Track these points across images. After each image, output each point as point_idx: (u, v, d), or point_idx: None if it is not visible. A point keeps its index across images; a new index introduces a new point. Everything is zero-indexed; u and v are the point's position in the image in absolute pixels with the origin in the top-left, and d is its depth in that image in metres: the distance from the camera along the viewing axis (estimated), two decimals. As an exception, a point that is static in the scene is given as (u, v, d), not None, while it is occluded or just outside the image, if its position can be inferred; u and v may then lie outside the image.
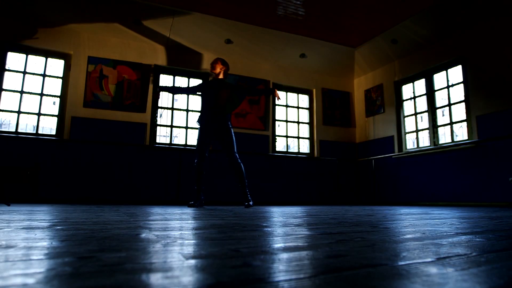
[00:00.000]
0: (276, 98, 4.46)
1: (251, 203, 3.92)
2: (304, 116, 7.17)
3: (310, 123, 7.08)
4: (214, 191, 5.83)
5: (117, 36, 5.69)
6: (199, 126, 4.18)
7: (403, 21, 5.61)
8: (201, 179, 4.04)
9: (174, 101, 6.24)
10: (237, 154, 4.09)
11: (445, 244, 0.94)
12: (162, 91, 4.31)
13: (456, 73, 5.68)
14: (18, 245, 0.84)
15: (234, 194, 5.98)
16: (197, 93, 4.52)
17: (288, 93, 7.01)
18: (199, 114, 4.35)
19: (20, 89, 5.23)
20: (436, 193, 5.58)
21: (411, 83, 6.40)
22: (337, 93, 7.33)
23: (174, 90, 4.37)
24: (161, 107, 6.19)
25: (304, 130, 7.14)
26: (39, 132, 5.32)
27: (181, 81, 6.41)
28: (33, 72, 5.39)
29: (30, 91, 5.34)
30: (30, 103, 5.64)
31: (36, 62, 5.57)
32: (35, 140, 5.02)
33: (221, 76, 4.34)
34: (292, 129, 7.11)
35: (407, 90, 6.57)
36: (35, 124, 5.33)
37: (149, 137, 5.74)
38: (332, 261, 0.69)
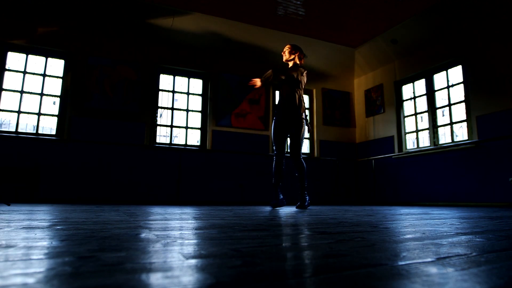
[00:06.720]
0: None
1: (306, 203, 3.62)
2: (304, 116, 7.17)
3: (310, 123, 7.08)
4: (214, 191, 5.83)
5: (117, 36, 5.69)
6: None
7: (403, 21, 5.61)
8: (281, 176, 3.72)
9: (174, 101, 6.25)
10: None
11: (445, 244, 0.94)
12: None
13: (456, 73, 5.68)
14: (18, 245, 0.84)
15: (233, 194, 5.99)
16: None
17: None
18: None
19: (20, 89, 5.23)
20: (436, 193, 5.58)
21: (411, 83, 6.40)
22: (337, 93, 7.33)
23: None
24: (161, 107, 6.19)
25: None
26: (39, 132, 5.32)
27: (181, 81, 6.42)
28: (33, 72, 5.39)
29: (30, 91, 5.34)
30: (30, 103, 5.65)
31: (36, 62, 5.57)
32: (35, 140, 5.01)
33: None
34: (292, 129, 7.10)
35: (407, 90, 6.57)
36: (35, 124, 5.33)
37: (149, 137, 5.74)
38: (332, 261, 0.69)
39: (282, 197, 3.75)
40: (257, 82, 3.65)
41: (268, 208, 3.63)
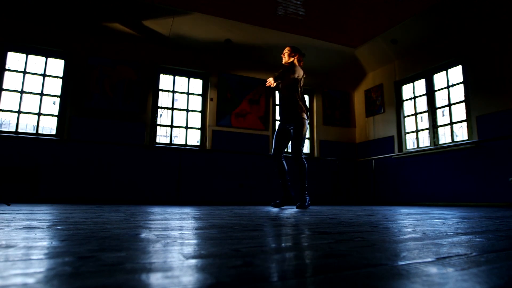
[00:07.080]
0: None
1: (306, 203, 3.62)
2: (304, 116, 7.16)
3: (310, 123, 7.08)
4: (214, 191, 5.83)
5: (117, 36, 5.69)
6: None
7: (403, 21, 5.60)
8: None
9: (174, 101, 6.25)
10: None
11: (445, 244, 0.94)
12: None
13: (456, 73, 5.68)
14: (18, 245, 0.84)
15: (233, 194, 5.99)
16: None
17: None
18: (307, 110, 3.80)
19: (20, 89, 5.23)
20: (436, 193, 5.58)
21: (411, 83, 6.40)
22: (337, 93, 7.33)
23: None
24: (161, 107, 6.19)
25: (304, 130, 7.13)
26: (39, 132, 5.32)
27: (181, 81, 6.42)
28: (33, 72, 5.39)
29: (30, 91, 5.34)
30: (30, 103, 5.64)
31: (36, 62, 5.57)
32: (35, 140, 5.01)
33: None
34: (292, 129, 7.10)
35: (407, 90, 6.57)
36: (35, 124, 5.33)
37: (149, 137, 5.73)
38: (332, 261, 0.69)
39: (293, 194, 3.84)
40: (271, 81, 3.75)
41: (268, 208, 3.62)
